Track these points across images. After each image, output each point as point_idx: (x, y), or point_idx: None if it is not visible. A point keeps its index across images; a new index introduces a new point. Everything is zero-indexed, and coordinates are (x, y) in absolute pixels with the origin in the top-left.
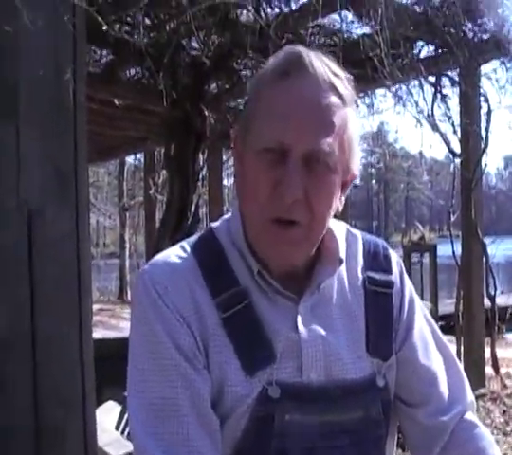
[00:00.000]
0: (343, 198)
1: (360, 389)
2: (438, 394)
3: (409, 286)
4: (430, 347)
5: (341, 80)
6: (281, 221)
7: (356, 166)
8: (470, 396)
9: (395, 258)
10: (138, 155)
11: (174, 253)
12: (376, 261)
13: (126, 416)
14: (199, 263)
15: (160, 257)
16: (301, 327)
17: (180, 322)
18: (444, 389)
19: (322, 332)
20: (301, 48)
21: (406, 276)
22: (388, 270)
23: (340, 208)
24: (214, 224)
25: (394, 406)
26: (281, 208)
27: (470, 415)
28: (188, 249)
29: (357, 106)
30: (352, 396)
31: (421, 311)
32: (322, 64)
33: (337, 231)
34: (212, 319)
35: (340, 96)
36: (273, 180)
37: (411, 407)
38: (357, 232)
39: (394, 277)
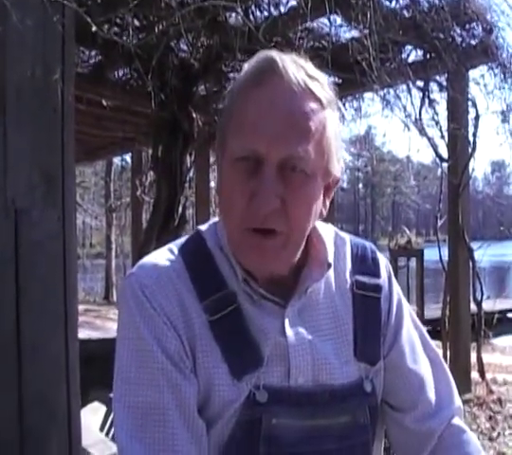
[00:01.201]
0: (328, 202)
1: (348, 393)
2: (425, 399)
3: (397, 290)
4: (418, 351)
5: (318, 82)
6: (258, 230)
7: (339, 168)
8: (458, 401)
9: (384, 261)
10: (126, 156)
11: (162, 256)
12: (365, 264)
13: (111, 417)
14: (187, 266)
15: (148, 260)
16: (288, 331)
17: (167, 326)
18: (431, 394)
19: (310, 336)
20: (274, 54)
21: (394, 280)
22: (376, 274)
23: (325, 212)
24: (202, 227)
25: (381, 410)
26: (257, 218)
27: (457, 420)
28: (176, 252)
29: (344, 108)
30: (339, 401)
31: (409, 315)
32: (297, 69)
33: (325, 235)
34: (200, 323)
35: (317, 99)
36: (249, 191)
37: (398, 411)
38: (346, 235)
39: (383, 280)
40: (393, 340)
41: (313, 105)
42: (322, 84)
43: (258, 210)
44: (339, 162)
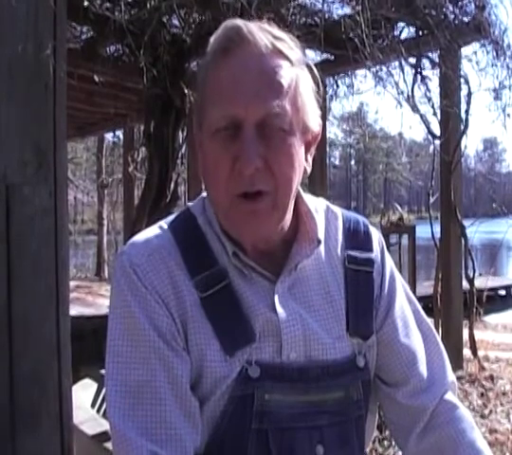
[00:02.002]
0: (310, 158)
1: (340, 369)
2: (417, 374)
3: (390, 264)
4: (411, 326)
5: (286, 42)
6: (246, 195)
7: (316, 124)
8: (451, 376)
9: (377, 235)
10: (118, 132)
11: (153, 233)
12: (357, 238)
13: (102, 394)
14: (177, 243)
15: (138, 238)
16: (278, 307)
17: (159, 304)
18: (423, 368)
19: (301, 312)
20: (238, 21)
21: (387, 253)
22: (368, 248)
23: (309, 169)
24: (192, 204)
25: (374, 386)
26: (243, 182)
27: (450, 396)
28: (166, 229)
29: (337, 86)
30: (332, 377)
31: (402, 289)
32: (263, 32)
33: (315, 210)
34: (191, 300)
35: (286, 57)
36: (231, 157)
37: (390, 387)
38: (338, 210)
39: (375, 255)
40: (385, 314)
41: (283, 63)
42: (290, 45)
43: (242, 172)
44: (317, 116)
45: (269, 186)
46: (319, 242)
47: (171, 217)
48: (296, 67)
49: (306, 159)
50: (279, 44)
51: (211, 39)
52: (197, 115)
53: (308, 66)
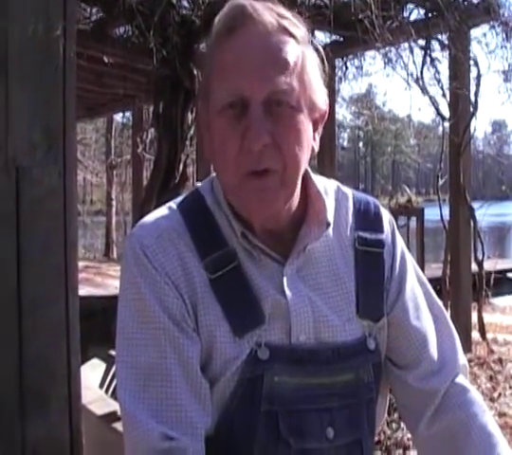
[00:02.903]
0: (317, 137)
1: (351, 351)
2: (428, 357)
3: (400, 245)
4: (422, 307)
5: (291, 20)
6: (255, 173)
7: (323, 102)
8: (462, 359)
9: (387, 216)
10: (127, 113)
11: (162, 215)
12: (367, 219)
13: (111, 374)
14: (187, 224)
15: (148, 219)
16: (287, 289)
17: (169, 285)
18: (434, 351)
19: (310, 294)
20: (243, 0)
21: (398, 235)
22: (379, 229)
23: (316, 147)
24: (200, 184)
25: (385, 368)
26: (251, 159)
27: (462, 379)
28: (175, 210)
29: (346, 68)
30: (342, 359)
31: (413, 270)
32: (268, 11)
33: (325, 191)
34: (201, 281)
35: (291, 35)
36: (239, 134)
37: (401, 369)
38: (348, 191)
39: (385, 236)
40: (396, 296)
41: (288, 40)
42: (295, 23)
43: (250, 148)
44: (324, 94)
45: (277, 163)
46: (328, 224)
47: (179, 198)
48: (301, 45)
49: (314, 138)
50: (284, 21)
51: (216, 18)
52: (203, 94)
53: (314, 45)
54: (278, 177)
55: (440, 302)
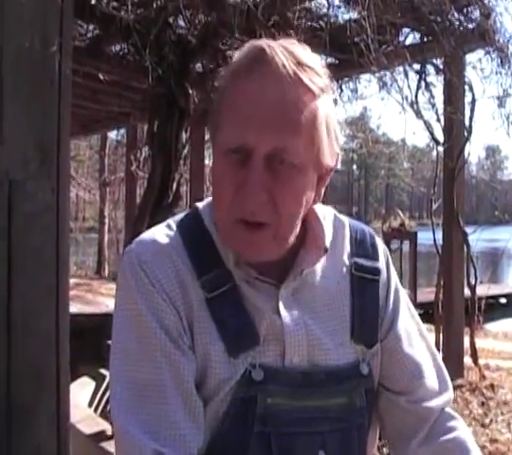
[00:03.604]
0: (322, 189)
1: (344, 375)
2: (423, 384)
3: (394, 277)
4: (414, 337)
5: (310, 69)
6: (247, 222)
7: (332, 157)
8: (451, 391)
9: (382, 245)
10: (121, 131)
11: (161, 232)
12: (363, 248)
13: (100, 393)
14: (185, 242)
15: (146, 235)
16: (282, 311)
17: (166, 302)
18: (428, 379)
19: (305, 317)
20: (264, 43)
21: (392, 265)
22: (375, 257)
23: (319, 199)
24: (200, 204)
25: (378, 394)
26: (245, 210)
27: (449, 409)
28: (174, 228)
29: (341, 91)
30: (335, 382)
31: (406, 303)
32: (287, 57)
33: (323, 217)
34: (197, 300)
35: (308, 88)
36: (236, 183)
37: (394, 394)
38: (345, 218)
39: (381, 264)
40: (390, 324)
41: (303, 96)
42: (314, 70)
43: (244, 203)
44: (334, 149)
45: (271, 218)
46: (325, 250)
47: (179, 216)
48: (317, 98)
49: (318, 191)
50: (302, 72)
51: (234, 56)
52: (212, 128)
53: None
54: (271, 231)
55: (428, 337)
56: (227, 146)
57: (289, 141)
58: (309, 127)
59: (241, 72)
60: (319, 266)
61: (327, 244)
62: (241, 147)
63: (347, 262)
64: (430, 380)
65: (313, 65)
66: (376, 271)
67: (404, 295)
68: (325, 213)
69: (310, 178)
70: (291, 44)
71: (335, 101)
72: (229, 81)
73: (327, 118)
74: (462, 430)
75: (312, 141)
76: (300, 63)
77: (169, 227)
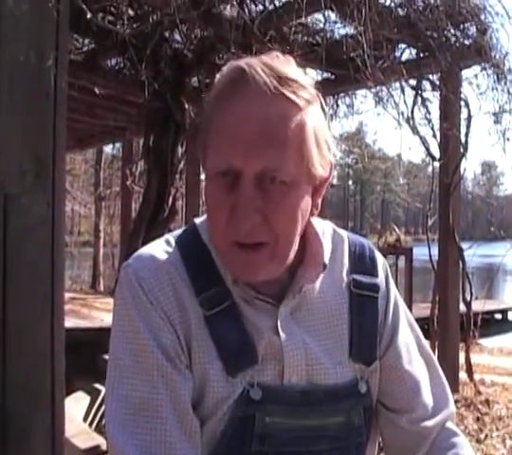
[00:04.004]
0: (319, 200)
1: (342, 394)
2: (422, 402)
3: (394, 290)
4: (414, 353)
5: (293, 82)
6: (242, 245)
7: (325, 167)
8: (452, 406)
9: (381, 260)
10: (117, 145)
11: (159, 248)
12: (362, 263)
13: (95, 407)
14: (184, 259)
15: (144, 251)
16: (281, 330)
17: (164, 320)
18: (427, 397)
19: (303, 335)
20: (243, 62)
21: (391, 279)
22: (374, 273)
23: (316, 211)
24: (198, 220)
25: (376, 412)
26: (240, 233)
27: (450, 425)
28: (173, 244)
29: (337, 106)
30: (333, 401)
31: (405, 316)
32: (268, 74)
33: (322, 233)
34: (196, 318)
35: (292, 102)
36: (228, 206)
37: (394, 412)
38: (344, 233)
39: (380, 280)
40: (389, 341)
41: (288, 110)
42: (297, 82)
43: (238, 226)
44: (326, 159)
45: (268, 237)
46: (324, 266)
47: (177, 232)
48: (302, 111)
49: (314, 203)
50: (284, 87)
51: (216, 80)
52: (201, 152)
53: (319, 98)
54: (269, 250)
55: (429, 348)
56: (215, 170)
57: (277, 159)
58: (297, 141)
59: (223, 95)
60: (317, 283)
61: (326, 260)
62: (229, 170)
63: (346, 278)
64: (430, 397)
65: (296, 78)
66: (375, 287)
67: (403, 307)
68: (324, 228)
69: (303, 192)
70: (272, 58)
71: (331, 117)
72: (213, 104)
73: (315, 129)
74: (462, 447)
75: (301, 155)
76: (281, 78)
77: (167, 242)
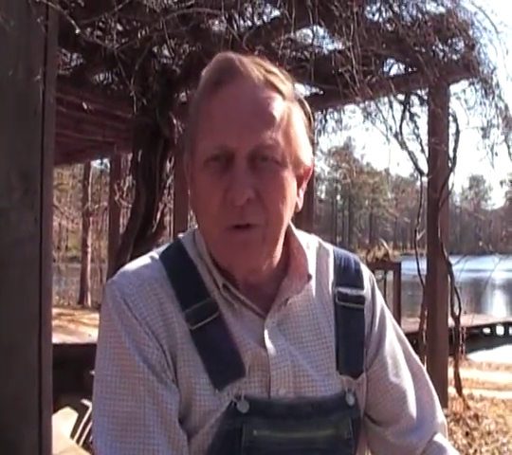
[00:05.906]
0: (302, 193)
1: (330, 406)
2: (407, 413)
3: (380, 302)
4: (401, 364)
5: (278, 76)
6: (236, 227)
7: (308, 158)
8: (441, 417)
9: (367, 272)
10: (105, 160)
11: (144, 264)
12: (348, 275)
13: (83, 423)
14: (169, 274)
15: (129, 267)
16: (268, 342)
17: (149, 335)
18: (413, 408)
19: (290, 348)
20: (231, 54)
21: (377, 291)
22: (359, 285)
23: (300, 204)
24: (182, 235)
25: (364, 424)
26: (234, 214)
27: (440, 437)
28: (157, 260)
29: (326, 121)
30: (321, 414)
31: (392, 327)
32: (255, 65)
33: (306, 246)
34: (181, 332)
35: (278, 90)
36: (222, 187)
37: (379, 425)
38: (329, 247)
39: (366, 292)
40: (375, 352)
41: (275, 96)
42: (282, 79)
43: (234, 202)
44: (309, 152)
45: (260, 219)
46: (309, 277)
47: (161, 248)
48: (288, 101)
49: (298, 194)
50: (271, 77)
51: (204, 71)
52: (189, 146)
53: (300, 102)
54: (260, 232)
55: (418, 359)
56: (207, 154)
57: (269, 138)
58: (285, 124)
59: (213, 83)
60: (303, 296)
61: (311, 271)
62: (222, 151)
63: (331, 291)
64: (416, 409)
65: (280, 75)
66: (361, 299)
67: (390, 319)
68: (309, 242)
69: (291, 176)
70: (256, 57)
71: (319, 132)
72: (202, 93)
73: (300, 120)
74: None
75: (289, 138)
76: (268, 71)
77: (152, 258)
